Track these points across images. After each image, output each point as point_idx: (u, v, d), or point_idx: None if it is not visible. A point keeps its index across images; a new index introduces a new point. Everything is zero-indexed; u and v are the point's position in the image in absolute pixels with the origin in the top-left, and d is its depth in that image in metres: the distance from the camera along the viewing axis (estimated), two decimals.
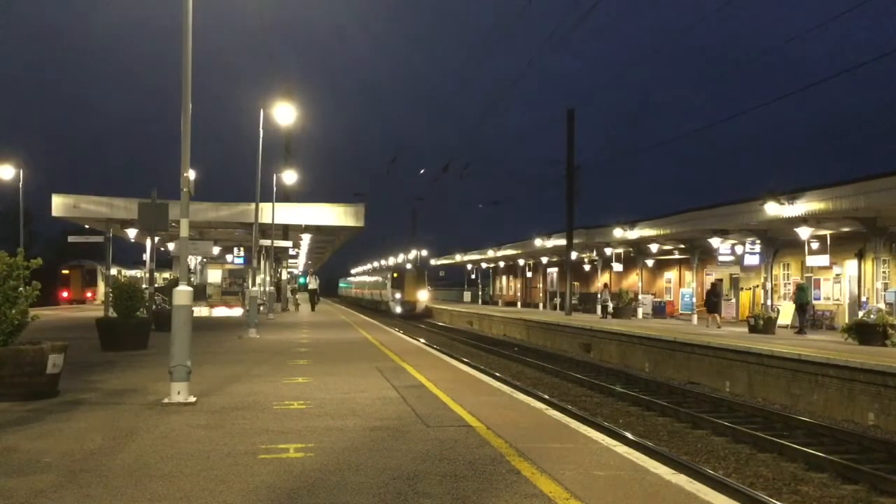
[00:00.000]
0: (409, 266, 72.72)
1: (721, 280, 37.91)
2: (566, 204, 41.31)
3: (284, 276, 62.40)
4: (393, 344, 21.82)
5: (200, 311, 38.66)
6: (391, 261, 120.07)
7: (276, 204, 35.79)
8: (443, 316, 63.14)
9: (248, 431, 8.29)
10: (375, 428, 8.53)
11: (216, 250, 41.03)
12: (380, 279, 78.78)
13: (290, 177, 37.81)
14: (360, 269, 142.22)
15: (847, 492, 10.31)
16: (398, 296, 66.28)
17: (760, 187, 25.35)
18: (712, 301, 30.66)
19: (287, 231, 42.68)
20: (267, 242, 37.11)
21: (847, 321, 25.59)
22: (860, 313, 24.41)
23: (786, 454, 12.39)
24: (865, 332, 21.51)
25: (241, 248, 43.22)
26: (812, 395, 16.99)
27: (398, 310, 65.13)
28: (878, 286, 24.36)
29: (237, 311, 38.90)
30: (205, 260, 43.33)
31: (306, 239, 48.10)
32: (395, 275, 68.34)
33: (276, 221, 35.95)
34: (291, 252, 52.01)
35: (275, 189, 36.03)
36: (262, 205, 29.48)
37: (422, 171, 77.29)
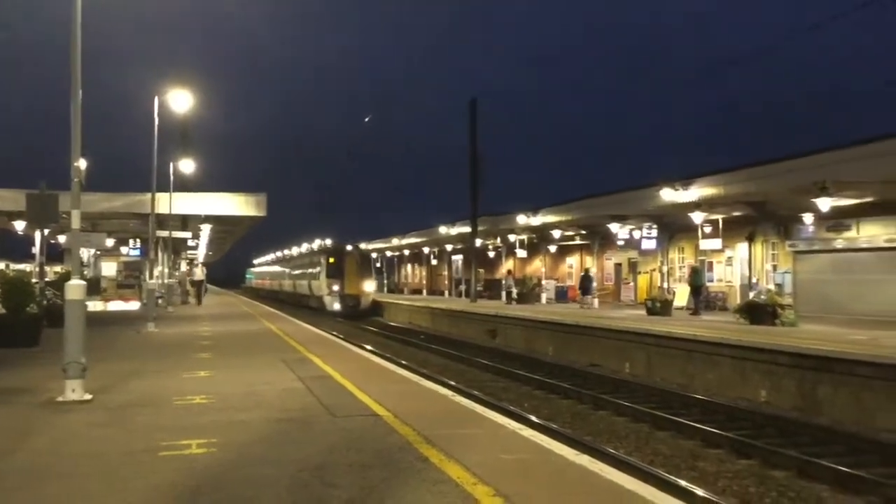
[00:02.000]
0: (349, 247, 51.87)
1: (588, 269, 39.37)
2: (470, 192, 41.60)
3: (184, 267, 60.89)
4: (297, 334, 21.56)
5: (95, 305, 37.28)
6: (301, 249, 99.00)
7: (173, 194, 34.80)
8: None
9: (148, 428, 8.05)
10: (281, 420, 8.41)
11: (110, 242, 39.60)
12: (307, 266, 59.00)
13: (187, 166, 36.77)
14: (271, 256, 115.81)
15: (742, 466, 10.75)
16: (336, 288, 49.03)
17: (659, 174, 26.15)
18: (585, 285, 35.90)
19: (186, 221, 41.56)
20: (164, 233, 36.06)
21: (739, 302, 26.67)
22: (751, 294, 25.46)
23: (683, 432, 12.82)
24: (756, 312, 22.43)
25: (138, 240, 41.86)
26: (707, 374, 17.64)
27: (336, 306, 48.40)
28: (768, 268, 25.46)
29: (134, 305, 37.74)
30: (98, 252, 41.81)
31: (206, 229, 46.95)
32: (332, 259, 50.42)
33: (173, 212, 34.95)
34: (191, 243, 50.64)
35: (172, 178, 35.01)
36: (159, 195, 28.61)
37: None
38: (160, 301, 33.08)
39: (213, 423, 8.29)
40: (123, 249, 44.20)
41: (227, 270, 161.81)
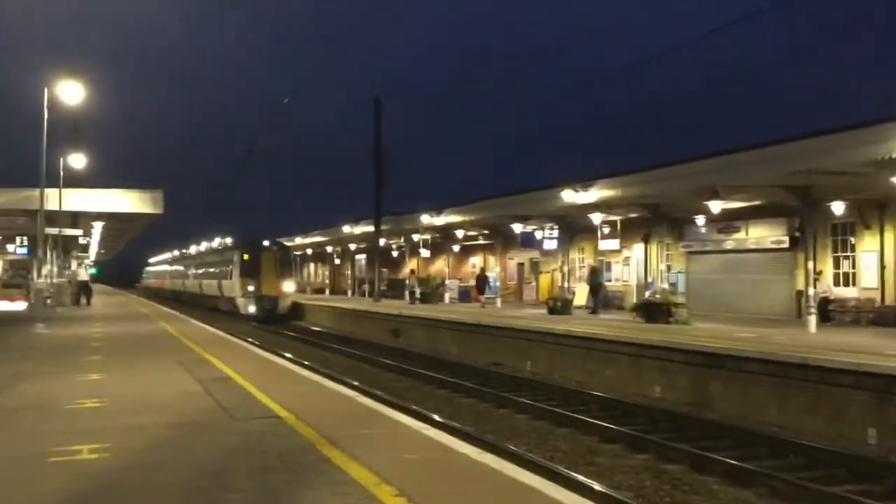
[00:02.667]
0: (267, 243, 46.38)
1: (485, 268, 40.31)
2: (374, 190, 41.45)
3: (74, 266, 58.60)
4: (195, 334, 21.06)
5: None
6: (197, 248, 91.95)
7: (64, 190, 33.43)
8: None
9: (38, 433, 7.73)
10: (178, 424, 8.19)
11: None
12: (217, 264, 52.20)
13: (79, 161, 35.39)
14: (172, 253, 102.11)
15: (637, 461, 11.05)
16: (251, 288, 43.27)
17: (560, 175, 26.51)
18: (480, 285, 37.50)
19: (77, 219, 39.99)
20: (54, 231, 34.61)
21: (635, 301, 27.44)
22: (646, 293, 26.23)
23: (582, 428, 13.09)
24: (651, 310, 23.12)
25: (25, 238, 40.06)
26: (605, 371, 18.07)
27: (251, 309, 42.87)
28: (662, 268, 26.29)
29: (21, 306, 36.15)
30: None
31: (98, 227, 45.29)
32: (247, 256, 44.30)
33: (64, 208, 33.58)
34: (82, 241, 48.77)
35: (62, 174, 33.62)
36: (48, 190, 27.45)
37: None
38: (49, 301, 31.77)
39: (106, 427, 8.02)
40: (10, 247, 42.27)
41: (122, 270, 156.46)
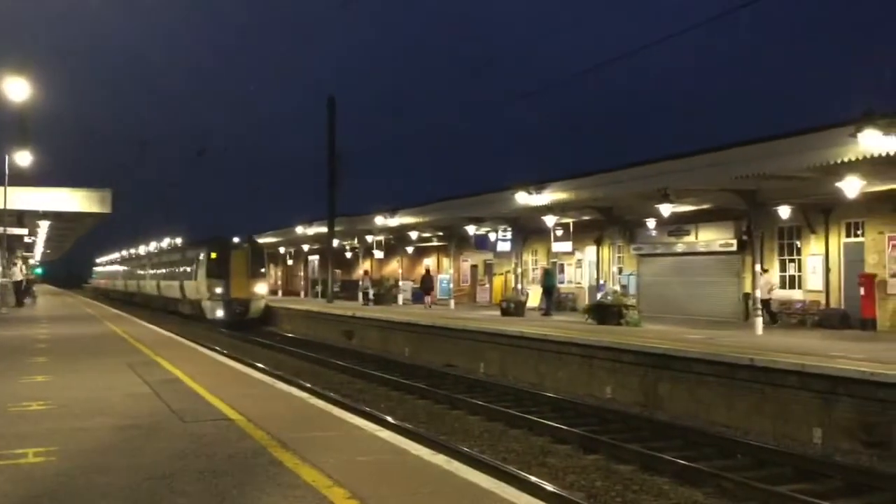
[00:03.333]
0: (237, 240, 41.93)
1: (429, 268, 40.60)
2: (328, 191, 41.21)
3: (17, 266, 57.17)
4: (144, 336, 20.72)
5: None
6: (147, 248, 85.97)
7: (9, 188, 32.64)
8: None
9: None
10: (126, 427, 8.05)
11: None
12: (178, 264, 47.36)
13: (25, 158, 34.58)
14: (123, 252, 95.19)
15: (589, 461, 11.15)
16: (219, 290, 39.13)
17: (514, 177, 26.69)
18: (426, 285, 37.89)
19: (22, 218, 39.06)
20: None
21: (587, 303, 27.70)
22: (598, 295, 26.50)
23: (534, 429, 13.18)
24: (603, 312, 23.36)
25: None
26: (557, 373, 18.21)
27: (219, 314, 39.02)
28: (614, 270, 26.53)
29: None
30: None
31: (44, 226, 44.29)
32: (214, 255, 39.88)
33: (9, 207, 32.79)
34: (28, 240, 47.62)
35: (7, 171, 32.82)
36: None
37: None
38: None
39: (51, 430, 7.84)
40: None
41: (69, 270, 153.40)
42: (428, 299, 36.83)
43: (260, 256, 41.51)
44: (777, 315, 23.57)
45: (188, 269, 43.20)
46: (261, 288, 40.75)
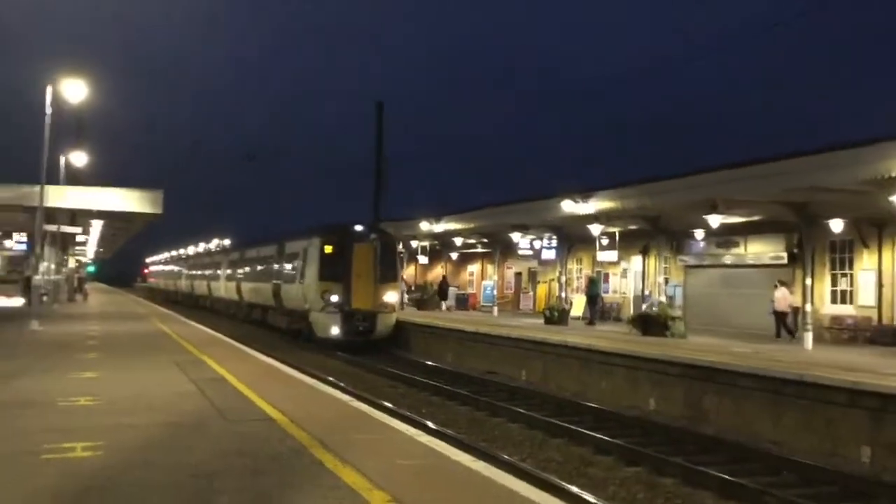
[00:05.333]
0: (360, 228, 29.47)
1: (445, 275, 40.56)
2: (374, 195, 41.46)
3: (72, 263, 58.56)
4: (191, 336, 21.03)
5: None
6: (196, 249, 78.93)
7: (63, 187, 33.41)
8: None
9: (31, 430, 7.71)
10: (172, 424, 8.18)
11: None
12: (274, 260, 34.51)
13: (80, 158, 35.43)
14: (190, 249, 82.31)
15: (630, 473, 11.03)
16: (335, 298, 27.67)
17: (561, 185, 26.51)
18: (442, 290, 37.97)
19: (75, 216, 39.96)
20: (53, 228, 34.57)
21: (632, 313, 27.41)
22: (643, 306, 26.22)
23: (576, 439, 13.08)
24: (648, 323, 23.11)
25: (24, 234, 40.02)
26: (600, 383, 18.05)
27: (335, 331, 27.56)
28: (660, 280, 26.21)
29: (17, 302, 36.10)
30: None
31: (97, 225, 45.25)
32: (329, 247, 28.43)
33: (63, 206, 33.55)
34: (80, 239, 48.70)
35: (63, 171, 33.63)
36: (48, 188, 27.43)
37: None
38: (45, 298, 31.73)
39: (99, 426, 8.00)
40: (7, 243, 42.20)
41: (121, 269, 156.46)
42: (444, 305, 37.24)
43: (392, 252, 29.67)
44: (794, 329, 23.26)
45: (288, 268, 31.61)
46: (391, 296, 28.78)
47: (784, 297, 23.42)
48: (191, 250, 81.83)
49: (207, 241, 78.97)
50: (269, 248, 35.87)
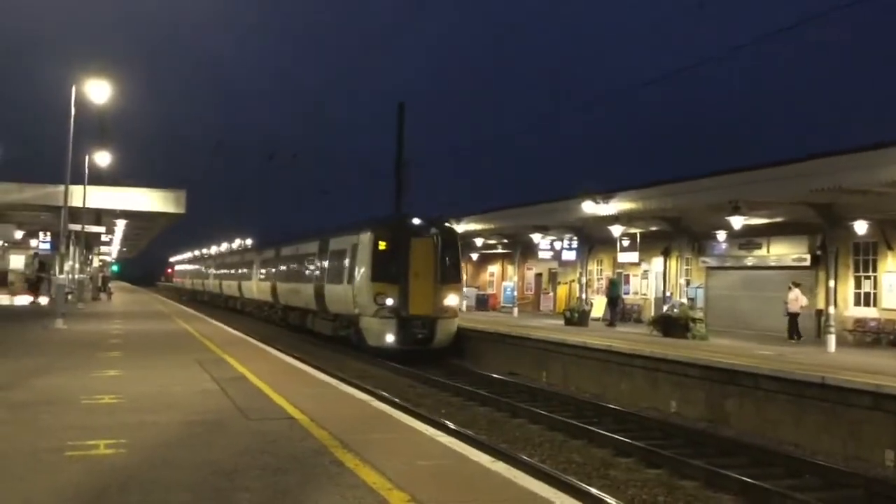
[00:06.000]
0: (418, 221, 25.54)
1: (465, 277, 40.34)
2: (395, 195, 41.52)
3: (96, 263, 59.16)
4: (214, 335, 21.17)
5: (1, 299, 35.89)
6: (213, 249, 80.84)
7: (88, 187, 33.78)
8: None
9: (54, 427, 7.79)
10: (193, 422, 8.24)
11: (19, 234, 38.23)
12: (316, 257, 30.60)
13: (104, 158, 35.78)
14: (216, 247, 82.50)
15: (651, 475, 10.98)
16: (390, 302, 24.17)
17: (581, 186, 26.44)
18: None
19: (100, 216, 40.39)
20: (77, 227, 34.97)
21: (653, 314, 27.29)
22: (665, 307, 26.09)
23: (596, 440, 13.04)
24: (669, 324, 23.01)
25: (48, 233, 40.50)
26: (621, 384, 17.99)
27: (390, 338, 24.21)
28: (682, 282, 26.12)
29: (43, 300, 36.52)
30: (6, 244, 40.29)
31: (121, 225, 45.73)
32: (383, 243, 24.89)
33: (87, 206, 33.93)
34: (104, 238, 49.24)
35: (87, 171, 33.98)
36: (73, 187, 27.74)
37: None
38: (70, 297, 32.06)
39: (121, 423, 8.07)
40: (33, 242, 42.72)
41: (145, 268, 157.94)
42: (464, 305, 36.83)
43: (454, 248, 25.68)
44: (801, 331, 23.14)
45: (334, 267, 27.75)
46: (453, 299, 25.01)
47: (797, 299, 23.30)
48: (220, 248, 79.57)
49: (235, 240, 77.69)
50: (310, 244, 32.30)
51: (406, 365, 22.25)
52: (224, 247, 78.85)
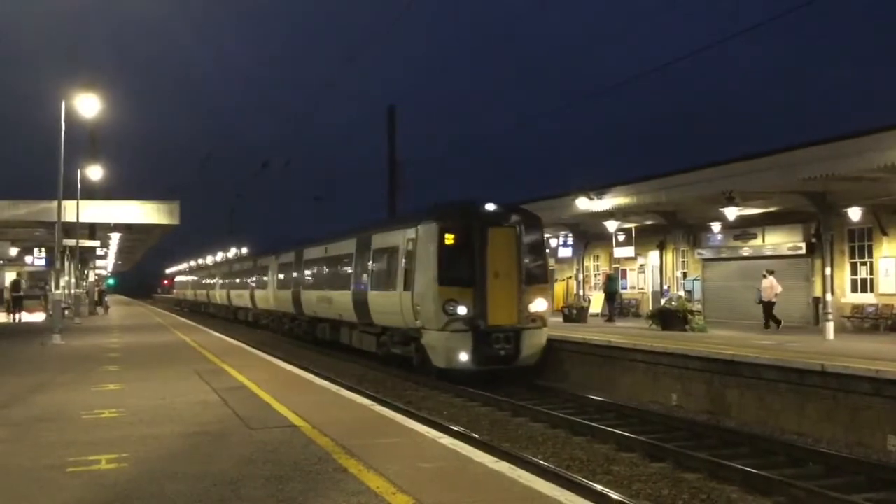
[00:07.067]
0: (492, 207, 19.87)
1: None
2: (388, 198, 41.54)
3: (92, 277, 59.06)
4: (212, 345, 21.13)
5: None
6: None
7: (81, 201, 33.69)
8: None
9: (54, 444, 7.76)
10: (195, 434, 8.22)
11: (14, 251, 38.14)
12: (354, 260, 25.23)
13: (96, 172, 35.74)
14: (218, 256, 77.99)
15: (655, 469, 10.98)
16: (463, 311, 18.62)
17: (573, 182, 26.49)
18: None
19: (94, 230, 40.31)
20: (71, 242, 34.90)
21: (651, 308, 27.32)
22: (662, 301, 26.12)
23: (598, 437, 13.03)
24: (667, 318, 23.03)
25: (43, 249, 40.40)
26: (621, 379, 17.99)
27: (463, 357, 18.57)
28: (678, 275, 26.15)
29: (39, 317, 36.43)
30: (1, 262, 40.22)
31: (115, 238, 45.65)
32: (451, 235, 19.29)
33: (81, 220, 33.85)
34: (100, 252, 49.15)
35: (79, 185, 33.91)
36: (66, 202, 27.68)
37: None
38: (67, 312, 32.00)
39: (123, 437, 8.05)
40: (28, 259, 42.63)
41: (140, 280, 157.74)
42: None
43: (539, 239, 20.54)
44: (779, 319, 23.05)
45: (383, 268, 22.52)
46: (540, 304, 19.72)
47: (771, 287, 23.23)
48: (227, 255, 73.70)
49: (231, 248, 75.09)
50: (345, 243, 26.76)
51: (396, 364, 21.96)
52: (232, 253, 73.26)
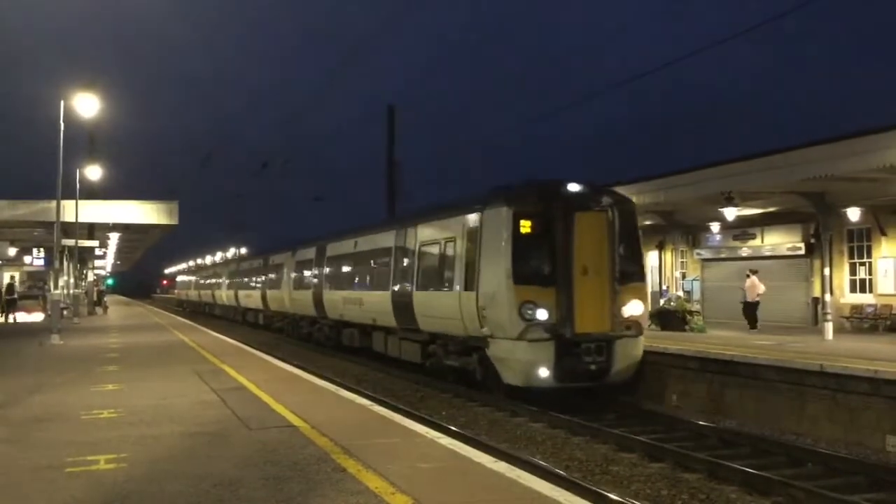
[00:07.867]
0: (577, 187, 15.86)
1: None
2: (387, 198, 41.53)
3: (91, 277, 59.04)
4: (212, 345, 21.12)
5: None
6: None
7: (80, 201, 33.68)
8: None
9: (53, 444, 7.76)
10: (194, 434, 8.22)
11: (13, 251, 38.12)
12: (395, 255, 21.08)
13: (95, 172, 35.74)
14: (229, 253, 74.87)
15: (654, 469, 10.97)
16: (543, 314, 14.85)
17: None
18: None
19: (93, 230, 40.30)
20: (70, 242, 34.90)
21: (650, 309, 27.28)
22: (661, 301, 26.12)
23: (598, 437, 13.02)
24: (667, 318, 23.03)
25: (42, 249, 40.40)
26: None
27: (543, 373, 14.84)
28: (677, 275, 26.15)
29: (38, 317, 36.41)
30: (1, 262, 40.21)
31: (114, 238, 45.65)
32: (527, 222, 15.39)
33: (80, 220, 33.84)
34: (98, 252, 49.14)
35: (78, 185, 33.91)
36: (65, 202, 27.66)
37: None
38: (65, 312, 32.00)
39: (122, 437, 8.04)
40: (27, 259, 42.62)
41: (139, 280, 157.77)
42: None
43: (633, 229, 16.80)
44: (758, 319, 23.03)
45: (433, 264, 18.92)
46: (636, 306, 15.95)
47: (754, 286, 23.19)
48: (236, 252, 70.78)
49: (226, 251, 75.56)
50: (380, 236, 23.05)
51: (391, 362, 21.81)
52: (243, 250, 69.03)
